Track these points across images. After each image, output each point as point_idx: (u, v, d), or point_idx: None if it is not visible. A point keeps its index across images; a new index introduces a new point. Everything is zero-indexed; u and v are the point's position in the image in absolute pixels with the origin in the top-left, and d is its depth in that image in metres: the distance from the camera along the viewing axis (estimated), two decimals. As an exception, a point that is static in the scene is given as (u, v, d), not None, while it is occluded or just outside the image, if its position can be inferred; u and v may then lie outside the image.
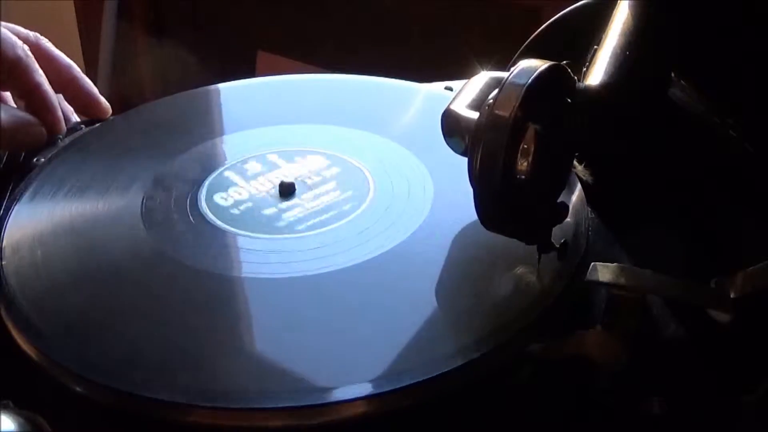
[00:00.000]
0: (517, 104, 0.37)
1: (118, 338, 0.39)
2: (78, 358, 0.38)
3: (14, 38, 0.53)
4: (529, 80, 0.38)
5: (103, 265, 0.44)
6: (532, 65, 0.39)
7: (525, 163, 0.38)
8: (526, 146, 0.38)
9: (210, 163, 0.51)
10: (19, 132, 0.53)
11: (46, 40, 0.57)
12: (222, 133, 0.55)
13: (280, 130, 0.54)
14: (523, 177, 0.38)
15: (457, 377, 0.36)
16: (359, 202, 0.47)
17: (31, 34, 0.56)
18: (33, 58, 0.54)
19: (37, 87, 0.53)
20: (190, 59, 1.29)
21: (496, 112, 0.38)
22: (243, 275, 0.42)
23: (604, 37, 0.49)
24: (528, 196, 0.39)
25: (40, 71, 0.54)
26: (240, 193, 0.48)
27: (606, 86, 0.48)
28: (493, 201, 0.39)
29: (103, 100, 0.59)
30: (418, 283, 0.42)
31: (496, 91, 0.39)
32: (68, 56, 0.58)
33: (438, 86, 0.58)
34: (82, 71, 0.58)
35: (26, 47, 0.54)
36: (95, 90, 0.59)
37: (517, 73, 0.38)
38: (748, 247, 0.42)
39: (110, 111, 0.59)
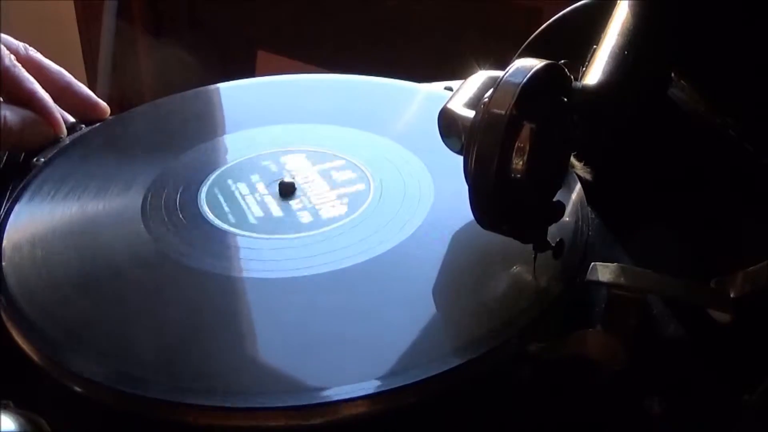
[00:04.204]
0: (513, 103, 0.37)
1: (118, 338, 0.39)
2: (78, 358, 0.38)
3: (1, 49, 0.53)
4: (525, 79, 0.38)
5: (103, 265, 0.44)
6: (528, 64, 0.39)
7: (520, 162, 0.38)
8: (521, 145, 0.38)
9: (210, 163, 0.51)
10: (26, 131, 0.53)
11: (35, 50, 0.57)
12: (222, 133, 0.55)
13: (280, 130, 0.54)
14: (518, 176, 0.38)
15: (456, 377, 0.36)
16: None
17: (21, 45, 0.56)
18: (21, 67, 0.54)
19: (31, 94, 0.54)
20: (190, 59, 1.29)
21: (492, 110, 0.38)
22: (243, 275, 0.42)
23: (602, 36, 0.49)
24: (524, 194, 0.39)
25: (32, 78, 0.54)
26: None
27: (603, 86, 0.48)
28: (488, 200, 0.39)
29: (100, 101, 0.59)
30: (418, 283, 0.42)
31: (491, 90, 0.39)
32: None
33: (438, 86, 0.58)
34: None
35: (13, 57, 0.54)
36: (91, 93, 0.59)
37: (513, 72, 0.38)
38: (748, 247, 0.42)
39: (109, 111, 0.59)
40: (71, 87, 0.58)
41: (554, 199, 0.42)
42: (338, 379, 0.36)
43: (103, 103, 0.59)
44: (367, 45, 1.33)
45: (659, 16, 0.47)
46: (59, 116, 0.55)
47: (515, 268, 0.42)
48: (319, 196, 0.47)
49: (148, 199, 0.48)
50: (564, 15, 0.55)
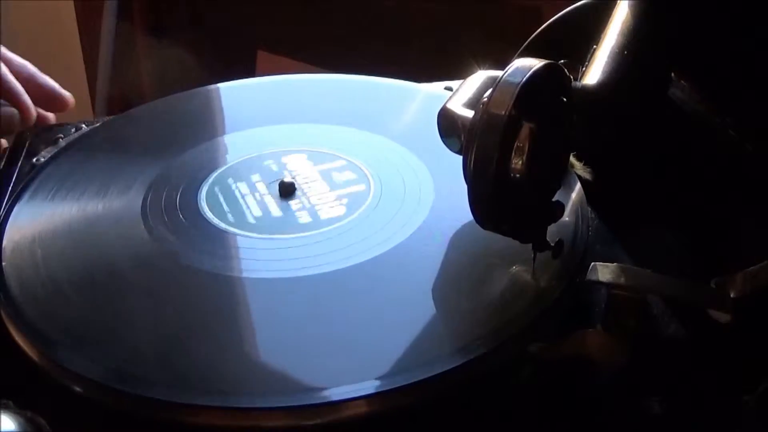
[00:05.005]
0: (512, 103, 0.37)
1: (118, 338, 0.39)
2: (78, 358, 0.38)
3: None
4: (524, 79, 0.38)
5: (103, 265, 0.44)
6: (527, 64, 0.39)
7: (519, 162, 0.38)
8: (520, 145, 0.38)
9: (210, 163, 0.51)
10: None
11: None
12: (222, 133, 0.55)
13: (280, 130, 0.54)
14: (517, 176, 0.38)
15: (456, 377, 0.36)
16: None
17: None
18: None
19: None
20: (190, 59, 1.29)
21: (490, 110, 0.38)
22: (243, 275, 0.42)
23: (602, 36, 0.49)
24: (523, 194, 0.39)
25: None
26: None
27: (603, 85, 0.48)
28: (487, 199, 0.39)
29: (65, 92, 0.58)
30: (418, 283, 0.42)
31: (490, 90, 0.39)
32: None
33: (438, 86, 0.58)
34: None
35: None
36: (55, 84, 0.58)
37: (512, 72, 0.38)
38: (748, 247, 0.42)
39: (73, 101, 0.58)
40: (35, 78, 0.57)
41: (554, 199, 0.42)
42: (338, 379, 0.36)
43: (68, 94, 0.58)
44: (367, 45, 1.33)
45: (659, 16, 0.47)
46: (28, 100, 0.54)
47: (515, 268, 0.42)
48: (319, 196, 0.47)
49: (148, 199, 0.48)
50: (564, 15, 0.55)
